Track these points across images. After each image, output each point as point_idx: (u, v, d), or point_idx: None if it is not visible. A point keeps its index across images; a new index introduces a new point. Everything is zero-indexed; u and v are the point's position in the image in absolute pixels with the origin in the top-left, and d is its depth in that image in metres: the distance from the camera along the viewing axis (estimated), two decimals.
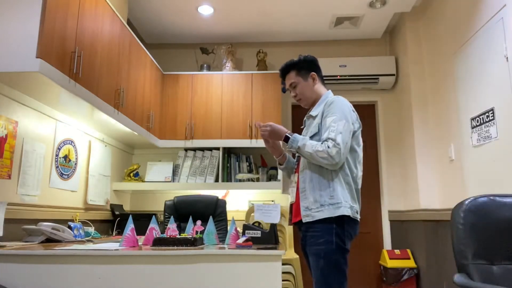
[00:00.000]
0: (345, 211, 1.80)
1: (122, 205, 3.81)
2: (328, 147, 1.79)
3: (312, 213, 1.84)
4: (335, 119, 1.85)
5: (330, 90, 2.09)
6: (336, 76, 4.09)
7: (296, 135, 1.91)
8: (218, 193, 3.90)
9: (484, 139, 2.68)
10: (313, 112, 2.02)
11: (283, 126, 2.07)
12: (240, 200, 4.11)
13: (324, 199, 1.82)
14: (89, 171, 3.19)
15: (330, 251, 1.78)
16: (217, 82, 4.00)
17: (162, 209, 4.06)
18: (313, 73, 2.06)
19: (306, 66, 2.06)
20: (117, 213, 3.47)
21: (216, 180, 3.85)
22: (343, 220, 1.81)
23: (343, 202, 1.81)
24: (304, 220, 1.86)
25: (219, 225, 2.94)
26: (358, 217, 1.87)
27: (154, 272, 1.68)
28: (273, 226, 2.01)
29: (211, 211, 2.97)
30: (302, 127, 2.17)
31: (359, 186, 1.93)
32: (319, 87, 2.08)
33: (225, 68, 4.12)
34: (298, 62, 2.06)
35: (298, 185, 1.95)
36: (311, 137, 1.93)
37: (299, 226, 1.96)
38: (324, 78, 4.04)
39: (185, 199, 3.02)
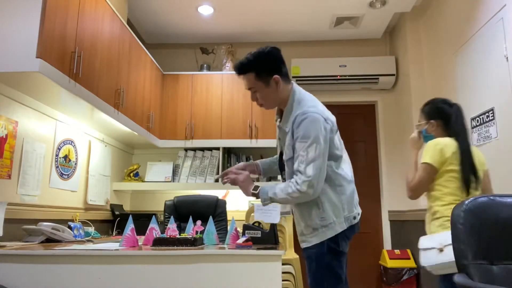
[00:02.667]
0: (338, 228, 1.71)
1: (122, 205, 3.81)
2: (297, 183, 1.64)
3: (307, 238, 1.76)
4: (304, 146, 1.65)
5: (294, 87, 1.81)
6: (336, 76, 4.09)
7: (261, 187, 1.77)
8: (218, 193, 3.90)
9: (484, 139, 2.68)
10: (284, 126, 1.79)
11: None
12: (240, 200, 4.11)
13: (315, 222, 1.72)
14: (89, 171, 3.19)
15: (321, 254, 1.71)
16: (217, 82, 4.00)
17: (162, 209, 4.06)
18: (276, 76, 1.75)
19: (267, 67, 1.76)
20: (117, 213, 3.47)
21: (216, 180, 3.85)
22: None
23: (335, 219, 1.71)
24: (302, 246, 1.78)
25: (219, 225, 2.94)
26: (355, 221, 1.77)
27: (154, 272, 1.68)
28: (273, 226, 2.01)
29: (211, 211, 2.97)
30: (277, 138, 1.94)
31: (352, 182, 1.81)
32: (284, 87, 1.79)
33: (225, 68, 4.12)
34: (257, 63, 1.76)
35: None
36: (288, 160, 1.76)
37: None
38: (324, 78, 4.10)
39: (185, 199, 3.02)
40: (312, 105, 1.73)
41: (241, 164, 2.00)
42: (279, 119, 1.89)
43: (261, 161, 2.08)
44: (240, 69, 1.79)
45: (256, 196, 1.79)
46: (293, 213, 1.89)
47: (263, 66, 1.76)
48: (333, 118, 1.80)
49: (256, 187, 1.79)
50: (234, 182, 1.86)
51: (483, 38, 2.70)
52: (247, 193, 1.81)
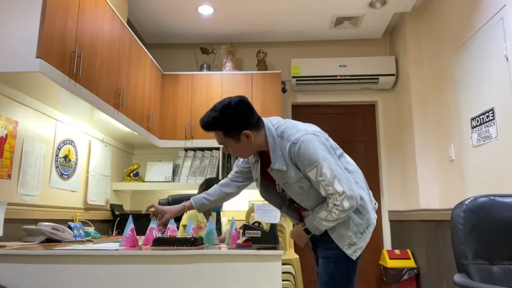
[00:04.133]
0: (374, 220, 1.76)
1: (122, 205, 3.81)
2: (337, 205, 1.61)
3: (358, 246, 1.73)
4: (317, 170, 1.60)
5: (266, 127, 1.71)
6: (336, 76, 4.09)
7: (309, 227, 1.74)
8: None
9: (484, 139, 2.68)
10: (277, 166, 1.68)
11: None
12: (240, 200, 4.11)
13: (362, 226, 1.73)
14: (89, 171, 3.19)
15: (341, 257, 1.72)
16: (217, 82, 4.00)
17: None
18: (246, 131, 1.66)
19: (234, 124, 1.65)
20: (117, 213, 3.46)
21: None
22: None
23: (371, 214, 1.75)
24: (355, 256, 1.73)
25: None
26: (376, 207, 1.85)
27: (154, 272, 1.68)
28: (273, 226, 2.01)
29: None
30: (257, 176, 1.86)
31: (361, 174, 1.83)
32: (256, 136, 1.69)
33: (225, 68, 4.12)
34: (223, 122, 1.65)
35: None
36: (308, 192, 1.71)
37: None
38: (324, 78, 4.10)
39: (179, 198, 3.01)
40: (295, 131, 1.68)
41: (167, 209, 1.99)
42: (258, 159, 1.83)
43: (195, 198, 2.01)
44: (207, 127, 1.68)
45: (309, 232, 1.78)
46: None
47: (231, 123, 1.65)
48: (317, 127, 1.77)
49: (308, 231, 1.76)
50: (295, 239, 1.86)
51: (483, 38, 2.70)
52: (303, 244, 1.81)
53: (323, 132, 1.77)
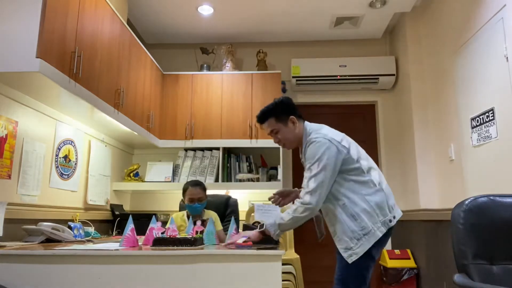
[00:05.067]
0: (378, 233, 1.85)
1: (122, 205, 3.81)
2: (300, 197, 1.83)
3: (355, 251, 1.85)
4: (308, 166, 1.88)
5: (306, 124, 2.06)
6: (336, 76, 4.09)
7: (265, 223, 1.90)
8: (218, 193, 3.90)
9: (484, 139, 2.68)
10: (303, 158, 2.04)
11: None
12: (240, 200, 4.10)
13: (357, 233, 1.85)
14: (89, 171, 3.19)
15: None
16: (217, 82, 4.00)
17: (162, 209, 4.06)
18: (292, 116, 2.03)
19: (284, 111, 2.04)
20: (117, 213, 3.46)
21: (216, 180, 3.85)
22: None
23: (373, 226, 1.85)
24: (350, 260, 1.86)
25: (229, 226, 2.82)
26: (391, 224, 1.92)
27: (154, 272, 1.68)
28: None
29: (221, 211, 2.89)
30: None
31: (383, 185, 1.95)
32: (299, 127, 2.06)
33: (225, 68, 4.12)
34: (276, 109, 2.04)
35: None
36: None
37: None
38: (324, 78, 4.10)
39: None
40: (317, 133, 1.95)
41: (287, 189, 2.24)
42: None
43: None
44: (262, 116, 2.05)
45: (267, 231, 1.88)
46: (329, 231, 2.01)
47: (281, 110, 2.03)
48: (339, 136, 1.95)
49: (262, 225, 1.90)
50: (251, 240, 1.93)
51: (483, 38, 2.70)
52: (255, 237, 1.90)
53: (344, 141, 1.95)
